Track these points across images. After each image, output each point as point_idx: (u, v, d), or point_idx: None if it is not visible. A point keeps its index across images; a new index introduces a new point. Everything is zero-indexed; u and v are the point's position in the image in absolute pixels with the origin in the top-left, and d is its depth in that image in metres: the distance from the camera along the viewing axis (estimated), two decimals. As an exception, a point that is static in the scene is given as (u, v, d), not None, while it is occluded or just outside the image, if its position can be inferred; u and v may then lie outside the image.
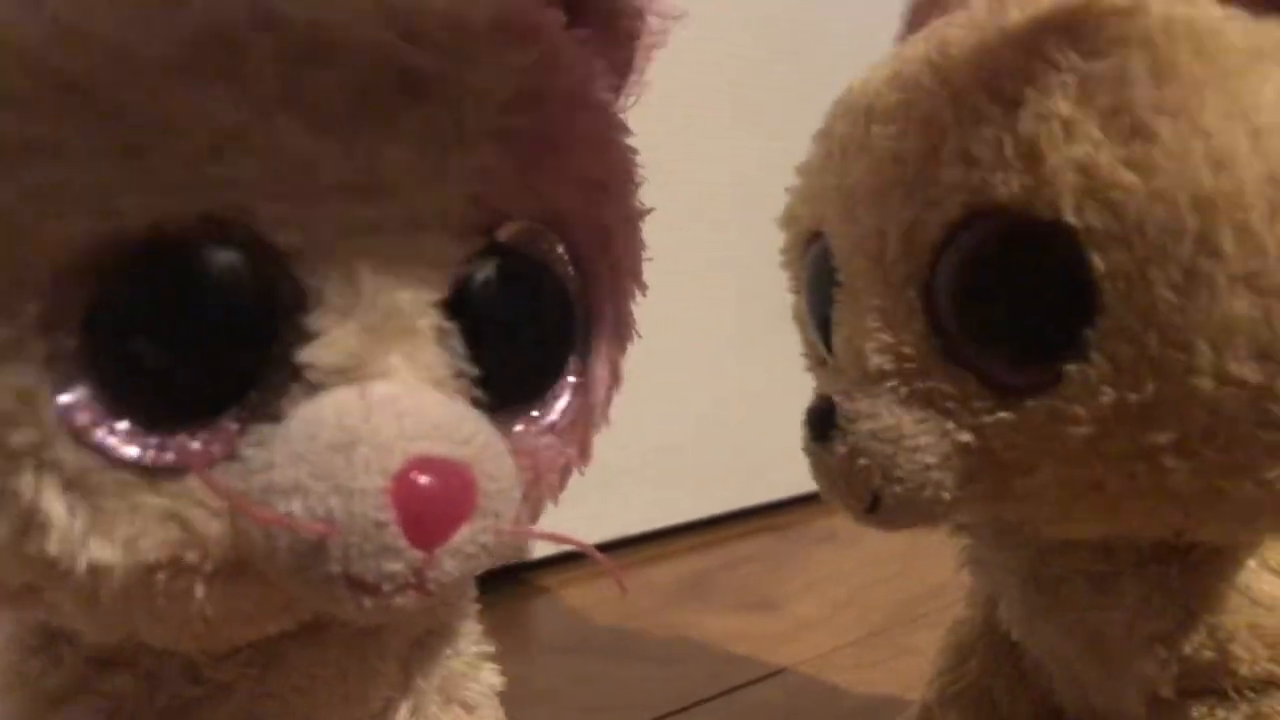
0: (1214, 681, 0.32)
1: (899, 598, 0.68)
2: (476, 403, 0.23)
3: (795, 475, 0.95)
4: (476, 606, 0.32)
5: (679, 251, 0.81)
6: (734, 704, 0.53)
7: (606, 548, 0.76)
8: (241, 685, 0.26)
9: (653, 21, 0.28)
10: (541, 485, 0.26)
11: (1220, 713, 0.32)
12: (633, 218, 0.27)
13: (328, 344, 0.21)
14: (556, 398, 0.26)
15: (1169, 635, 0.32)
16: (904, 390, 0.29)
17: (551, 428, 0.26)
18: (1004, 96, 0.27)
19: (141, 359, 0.20)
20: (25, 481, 0.20)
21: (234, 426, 0.21)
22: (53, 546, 0.20)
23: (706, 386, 0.85)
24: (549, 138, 0.24)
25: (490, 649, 0.32)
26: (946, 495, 0.29)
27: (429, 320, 0.22)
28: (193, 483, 0.21)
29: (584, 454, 0.28)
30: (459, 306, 0.23)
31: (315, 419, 0.21)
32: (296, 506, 0.20)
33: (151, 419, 0.20)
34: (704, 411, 0.84)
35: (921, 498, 0.29)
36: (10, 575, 0.21)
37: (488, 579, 0.27)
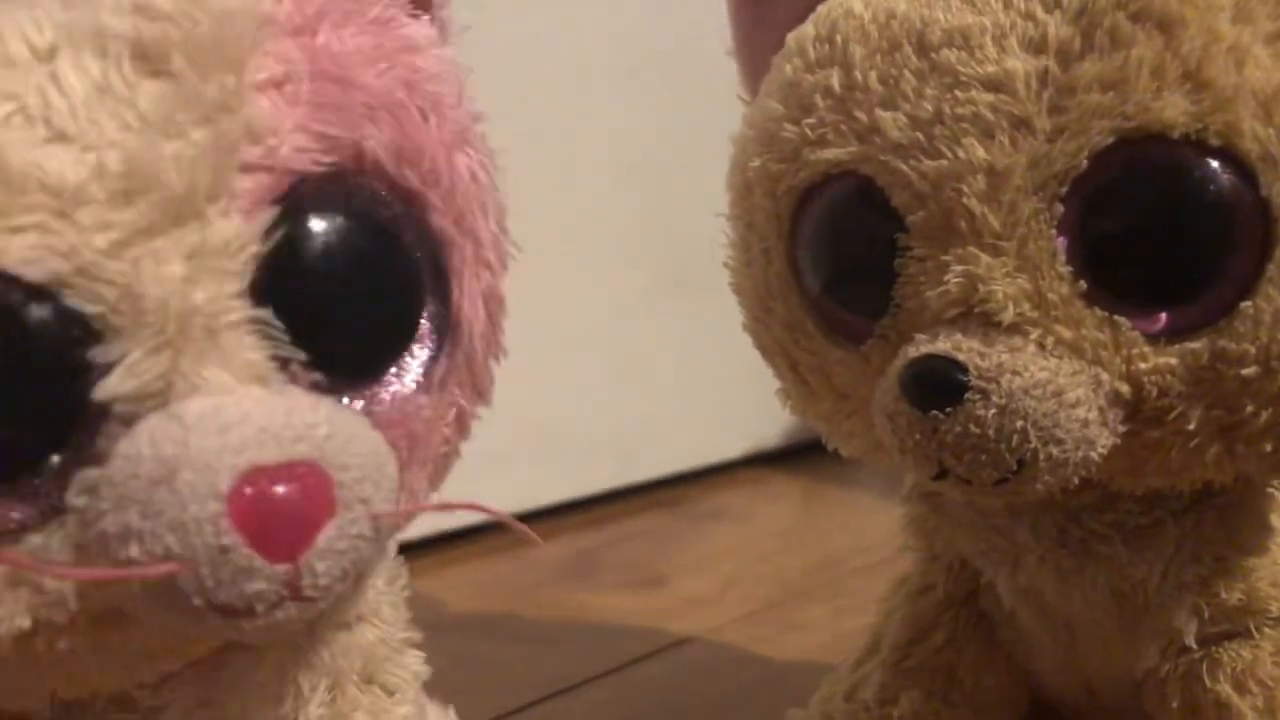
0: (1239, 623, 0.33)
1: (788, 573, 0.68)
2: (316, 386, 0.21)
3: (684, 450, 0.94)
4: (406, 592, 0.31)
5: (558, 218, 0.79)
6: (622, 682, 0.52)
7: (486, 528, 0.73)
8: (178, 703, 0.25)
9: None
10: (430, 446, 0.24)
11: (1246, 653, 0.32)
12: (456, 133, 0.25)
13: (125, 371, 0.20)
14: (414, 355, 0.24)
15: (1204, 581, 0.32)
16: (1049, 340, 0.28)
17: (420, 386, 0.24)
18: (1150, 16, 0.27)
19: None
20: None
21: (58, 480, 0.20)
22: None
23: (589, 358, 0.82)
24: (325, 72, 0.22)
25: (416, 636, 0.31)
26: (1096, 455, 0.28)
27: (235, 314, 0.20)
28: (30, 544, 0.20)
29: (479, 394, 0.26)
30: (269, 287, 0.21)
31: (134, 454, 0.19)
32: (135, 551, 0.19)
33: None
34: (587, 385, 0.82)
35: (1075, 459, 0.27)
36: None
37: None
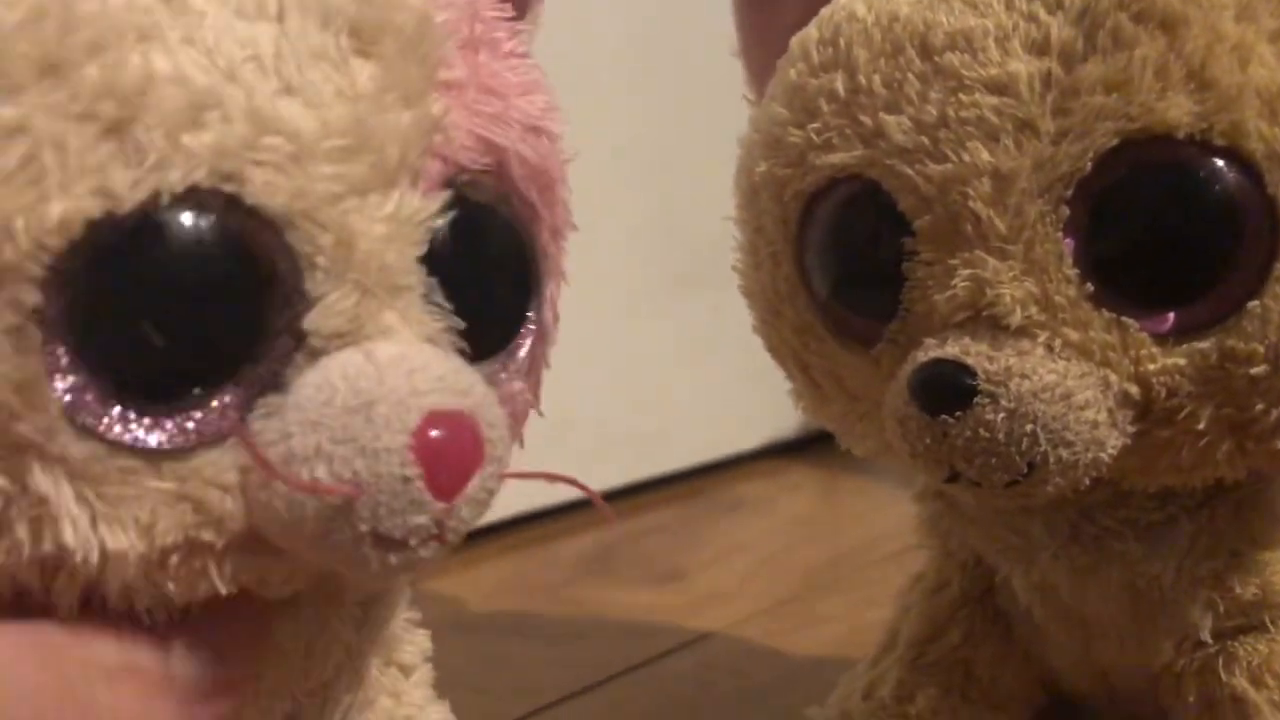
0: (1255, 617, 0.33)
1: (808, 565, 0.68)
2: (461, 355, 0.24)
3: (700, 442, 0.93)
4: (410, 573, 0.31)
5: (573, 213, 0.79)
6: (646, 679, 0.52)
7: (506, 525, 0.74)
8: None
9: None
10: (520, 432, 0.27)
11: (1262, 647, 0.32)
12: (563, 159, 0.28)
13: (327, 309, 0.22)
14: (521, 344, 0.26)
15: (1219, 576, 0.32)
16: (1057, 343, 0.28)
17: (519, 374, 0.26)
18: (1153, 16, 0.27)
19: (136, 340, 0.20)
20: (33, 474, 0.20)
21: (238, 401, 0.21)
22: (67, 537, 0.20)
23: (605, 353, 0.82)
24: (487, 86, 0.25)
25: (418, 615, 0.32)
26: (1106, 456, 0.28)
27: (416, 277, 0.23)
28: (199, 462, 0.21)
29: (538, 396, 0.28)
30: (433, 261, 0.23)
31: (325, 384, 0.21)
32: (321, 472, 0.21)
33: (151, 401, 0.21)
34: (601, 380, 0.82)
35: (1085, 460, 0.28)
36: (21, 574, 0.21)
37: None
